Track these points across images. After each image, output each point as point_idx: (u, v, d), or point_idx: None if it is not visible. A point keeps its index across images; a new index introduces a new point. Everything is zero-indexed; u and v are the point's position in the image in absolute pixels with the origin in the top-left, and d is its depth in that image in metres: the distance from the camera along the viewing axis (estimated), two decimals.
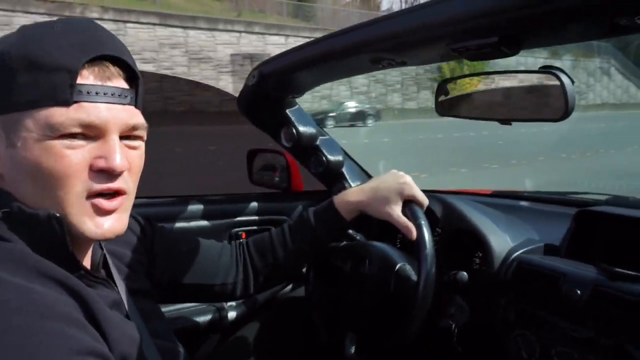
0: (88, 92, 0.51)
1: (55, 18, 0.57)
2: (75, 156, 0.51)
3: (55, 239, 0.51)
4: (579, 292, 0.74)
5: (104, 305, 0.53)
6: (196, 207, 1.19)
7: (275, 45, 17.97)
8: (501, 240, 0.91)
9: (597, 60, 27.65)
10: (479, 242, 0.92)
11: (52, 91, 0.50)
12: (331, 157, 1.24)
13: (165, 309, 1.04)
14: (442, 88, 0.84)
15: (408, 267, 0.83)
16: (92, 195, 0.53)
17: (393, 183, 0.85)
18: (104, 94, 0.52)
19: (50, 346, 0.43)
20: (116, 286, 0.63)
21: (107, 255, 0.66)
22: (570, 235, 0.87)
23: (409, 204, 0.84)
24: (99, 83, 0.52)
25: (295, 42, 17.86)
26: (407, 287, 0.80)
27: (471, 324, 0.89)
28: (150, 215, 0.84)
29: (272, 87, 1.11)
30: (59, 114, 0.50)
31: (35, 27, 0.53)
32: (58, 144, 0.50)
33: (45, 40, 0.51)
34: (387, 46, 0.78)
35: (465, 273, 0.88)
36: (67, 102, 0.50)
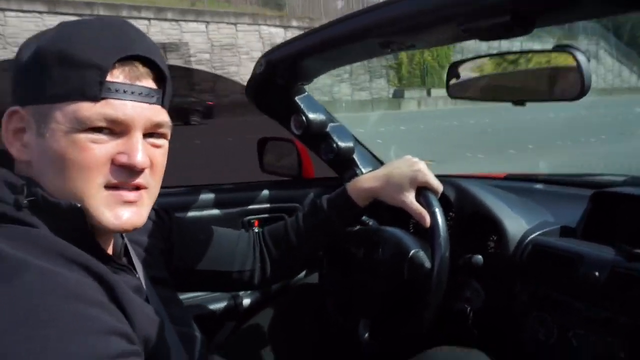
0: (116, 90, 0.53)
1: None
2: (99, 150, 0.53)
3: (77, 227, 0.53)
4: (597, 273, 0.73)
5: (127, 289, 0.54)
6: (208, 196, 1.20)
7: (194, 32, 15.52)
8: (516, 223, 0.90)
9: (585, 42, 26.28)
10: (494, 226, 0.91)
11: (82, 86, 0.52)
12: (342, 144, 1.24)
13: (182, 296, 1.06)
14: (452, 71, 0.83)
15: (422, 254, 0.82)
16: (111, 186, 0.55)
17: (407, 169, 0.84)
18: (132, 92, 0.54)
19: (73, 327, 0.44)
20: (137, 273, 0.64)
21: (128, 244, 0.67)
22: (587, 216, 0.85)
23: (422, 190, 0.83)
24: (128, 82, 0.54)
25: (217, 28, 15.89)
26: (421, 274, 0.80)
27: (487, 307, 0.89)
28: (163, 204, 0.85)
29: (280, 75, 1.10)
30: (87, 109, 0.52)
31: (73, 24, 0.56)
32: (83, 137, 0.52)
33: (79, 37, 0.53)
34: (396, 29, 0.76)
35: (480, 256, 0.87)
36: (95, 98, 0.52)
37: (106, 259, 0.56)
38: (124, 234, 0.66)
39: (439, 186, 0.85)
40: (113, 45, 0.53)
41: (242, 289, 1.15)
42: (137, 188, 0.56)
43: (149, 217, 0.71)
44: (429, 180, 0.83)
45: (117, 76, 0.53)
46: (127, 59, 0.54)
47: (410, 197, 0.83)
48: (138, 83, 0.55)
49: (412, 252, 0.83)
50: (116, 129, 0.54)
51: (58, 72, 0.52)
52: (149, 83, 0.56)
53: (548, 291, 0.82)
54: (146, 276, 0.67)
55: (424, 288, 0.77)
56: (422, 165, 0.85)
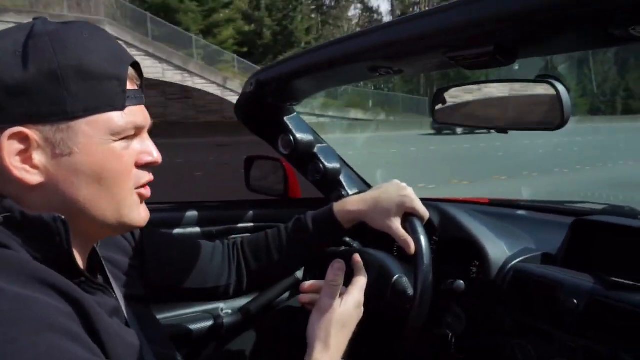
0: (129, 97, 0.56)
1: None
2: (129, 155, 0.56)
3: (57, 242, 0.51)
4: (575, 301, 0.74)
5: (103, 314, 0.53)
6: (192, 214, 1.19)
7: None
8: (498, 249, 0.90)
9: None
10: (476, 251, 0.91)
11: (110, 98, 0.53)
12: (328, 165, 1.24)
13: (159, 315, 1.03)
14: (438, 97, 0.84)
15: (405, 280, 0.82)
16: (138, 187, 0.58)
17: (394, 195, 0.84)
18: (137, 97, 0.57)
19: None
20: (114, 292, 0.63)
21: (103, 261, 0.66)
22: (567, 244, 0.87)
23: (409, 217, 0.83)
24: (132, 87, 0.57)
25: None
26: (403, 300, 0.80)
27: (468, 332, 0.88)
28: None
29: (269, 95, 1.11)
30: (118, 119, 0.54)
31: (70, 32, 0.53)
32: (118, 145, 0.55)
33: (92, 49, 0.53)
34: (383, 55, 0.78)
35: (462, 282, 0.88)
36: (122, 107, 0.54)
37: (83, 279, 0.55)
38: (98, 251, 0.65)
39: (425, 213, 0.84)
40: (118, 54, 0.56)
41: (217, 300, 1.14)
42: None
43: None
44: (416, 206, 0.83)
45: (127, 83, 0.56)
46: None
47: (396, 223, 0.82)
48: (135, 87, 0.58)
49: (395, 277, 0.83)
50: (135, 133, 0.57)
51: (80, 85, 0.51)
52: (137, 86, 0.59)
53: (529, 318, 0.82)
54: (122, 295, 0.65)
55: (405, 314, 0.77)
56: (409, 191, 0.84)
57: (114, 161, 0.54)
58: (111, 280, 0.65)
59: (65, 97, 0.50)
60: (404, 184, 0.86)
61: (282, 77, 1.04)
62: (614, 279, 0.72)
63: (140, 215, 0.60)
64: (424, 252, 0.77)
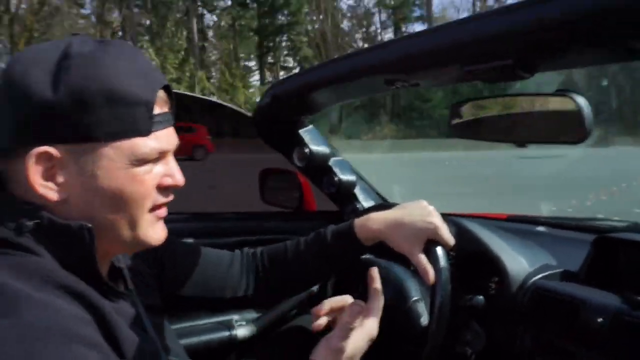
0: (158, 121, 0.56)
1: None
2: (151, 180, 0.57)
3: (83, 251, 0.53)
4: (599, 320, 0.71)
5: (123, 323, 0.54)
6: (207, 225, 1.20)
7: None
8: (518, 265, 0.88)
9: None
10: (495, 267, 0.89)
11: (135, 124, 0.53)
12: (343, 178, 1.24)
13: (174, 326, 1.03)
14: (455, 111, 0.83)
15: (421, 305, 0.80)
16: (156, 207, 0.59)
17: (419, 220, 0.77)
18: (166, 121, 0.58)
19: None
20: (134, 300, 0.64)
21: (125, 270, 0.67)
22: (589, 261, 0.84)
23: (432, 244, 0.77)
24: (161, 111, 0.57)
25: None
26: (417, 325, 0.78)
27: (488, 350, 0.86)
28: None
29: (285, 108, 1.11)
30: (143, 145, 0.54)
31: (98, 54, 0.53)
32: (140, 170, 0.55)
33: (120, 73, 0.53)
34: (400, 68, 0.78)
35: (482, 297, 0.86)
36: (148, 132, 0.55)
37: (105, 287, 0.56)
38: (121, 258, 0.66)
39: (450, 241, 0.77)
40: (147, 77, 0.55)
41: (235, 309, 1.15)
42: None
43: None
44: (442, 234, 0.76)
45: (154, 108, 0.55)
46: None
47: (417, 249, 0.76)
48: (164, 110, 0.58)
49: (412, 300, 0.81)
50: (160, 157, 0.57)
51: (107, 111, 0.51)
52: (168, 108, 0.59)
53: (550, 337, 0.80)
54: (141, 303, 0.66)
55: (417, 341, 0.75)
56: (436, 218, 0.77)
57: (135, 185, 0.55)
58: (131, 288, 0.66)
59: (92, 121, 0.51)
60: (430, 208, 0.80)
61: (297, 90, 1.04)
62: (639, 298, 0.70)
63: (156, 234, 0.60)
64: (443, 284, 0.73)
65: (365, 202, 1.27)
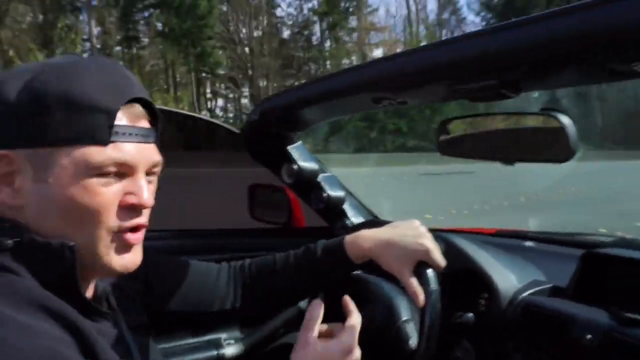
0: (122, 133, 0.54)
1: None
2: (108, 193, 0.53)
3: (65, 270, 0.51)
4: (588, 337, 0.72)
5: (106, 345, 0.53)
6: (194, 241, 1.18)
7: None
8: (507, 282, 0.88)
9: None
10: (485, 283, 0.89)
11: (92, 131, 0.52)
12: (332, 194, 1.24)
13: (161, 345, 1.01)
14: (443, 128, 0.84)
15: (411, 326, 0.79)
16: (122, 230, 0.55)
17: (411, 241, 0.76)
18: (135, 134, 0.55)
19: None
20: (118, 320, 0.62)
21: (110, 288, 0.65)
22: (577, 277, 0.85)
23: (422, 266, 0.76)
24: (131, 124, 0.55)
25: None
26: (406, 347, 0.77)
27: None
28: (146, 247, 0.83)
29: (273, 124, 1.11)
30: (97, 154, 0.52)
31: (69, 64, 0.54)
32: (94, 181, 0.52)
33: (83, 80, 0.52)
34: (387, 87, 0.78)
35: (471, 314, 0.85)
36: (105, 142, 0.52)
37: (87, 307, 0.55)
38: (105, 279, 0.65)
39: (441, 264, 0.76)
40: (117, 88, 0.54)
41: (222, 324, 1.13)
42: (138, 228, 0.57)
43: None
44: (433, 257, 0.76)
45: (120, 119, 0.53)
46: (128, 101, 0.55)
47: (407, 270, 0.75)
48: (138, 124, 0.56)
49: (402, 320, 0.80)
50: (122, 170, 0.54)
51: (62, 115, 0.51)
52: (146, 123, 0.57)
53: (540, 353, 0.80)
54: (126, 323, 0.64)
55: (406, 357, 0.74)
56: (427, 240, 0.76)
57: (86, 196, 0.52)
58: (115, 307, 0.64)
59: (48, 124, 0.51)
60: (422, 229, 0.79)
61: (285, 107, 1.04)
62: (629, 314, 0.70)
63: (121, 260, 0.56)
64: (433, 306, 0.72)
65: (355, 218, 1.26)
